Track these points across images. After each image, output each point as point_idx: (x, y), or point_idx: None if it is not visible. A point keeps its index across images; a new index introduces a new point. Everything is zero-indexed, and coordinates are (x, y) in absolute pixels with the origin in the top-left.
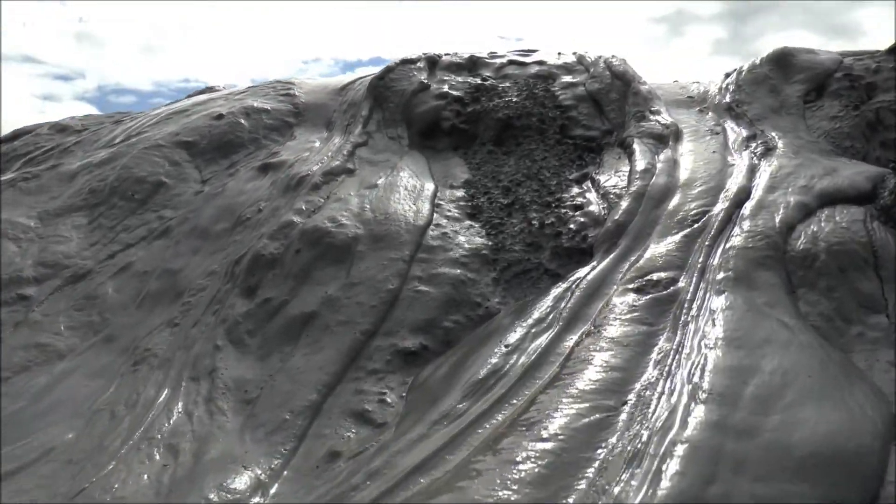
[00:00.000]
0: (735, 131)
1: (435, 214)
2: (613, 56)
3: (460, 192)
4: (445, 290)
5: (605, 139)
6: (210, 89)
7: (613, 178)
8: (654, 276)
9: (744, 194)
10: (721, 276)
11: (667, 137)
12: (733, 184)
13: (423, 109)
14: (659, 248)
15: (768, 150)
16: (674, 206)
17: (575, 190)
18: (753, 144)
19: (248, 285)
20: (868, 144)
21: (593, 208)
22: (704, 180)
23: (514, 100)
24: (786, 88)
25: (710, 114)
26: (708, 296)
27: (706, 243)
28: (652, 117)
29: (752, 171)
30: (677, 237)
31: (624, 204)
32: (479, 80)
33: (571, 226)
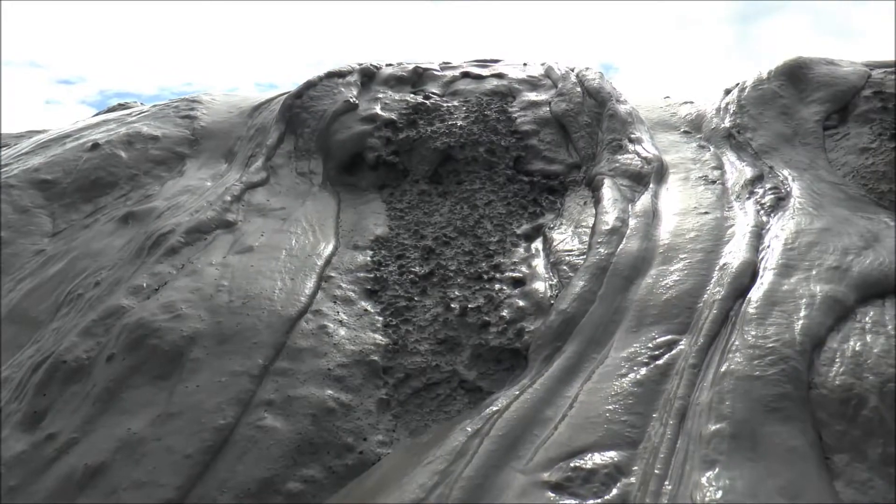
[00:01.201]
0: (736, 168)
1: (319, 294)
2: (588, 68)
3: (365, 257)
4: (301, 426)
5: (571, 175)
6: (122, 106)
7: (572, 235)
8: (588, 462)
9: (747, 276)
10: (710, 428)
11: (647, 177)
12: (733, 257)
13: (344, 137)
14: (609, 386)
15: (780, 200)
16: (646, 291)
17: (520, 252)
18: (760, 190)
19: (35, 409)
20: None
21: (538, 285)
22: (692, 248)
23: (460, 124)
24: (801, 110)
25: (704, 143)
26: (686, 472)
27: (690, 362)
28: (630, 147)
29: (759, 234)
30: (643, 355)
31: (578, 285)
32: (420, 98)
33: (504, 312)
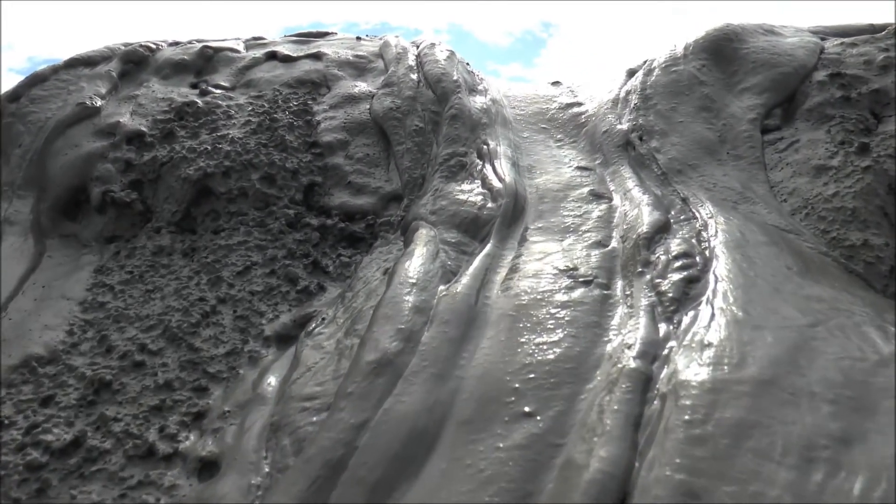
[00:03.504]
0: (632, 204)
1: None
2: (435, 44)
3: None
4: None
5: (388, 212)
6: None
7: (335, 353)
8: None
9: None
10: None
11: (487, 225)
12: (598, 428)
13: (65, 161)
14: None
15: (691, 285)
16: None
17: (249, 380)
18: (662, 257)
19: None
20: None
21: (233, 484)
22: (534, 394)
23: (234, 136)
24: (730, 103)
25: (591, 156)
26: None
27: None
28: (476, 168)
29: (649, 379)
30: None
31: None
32: (191, 96)
33: None
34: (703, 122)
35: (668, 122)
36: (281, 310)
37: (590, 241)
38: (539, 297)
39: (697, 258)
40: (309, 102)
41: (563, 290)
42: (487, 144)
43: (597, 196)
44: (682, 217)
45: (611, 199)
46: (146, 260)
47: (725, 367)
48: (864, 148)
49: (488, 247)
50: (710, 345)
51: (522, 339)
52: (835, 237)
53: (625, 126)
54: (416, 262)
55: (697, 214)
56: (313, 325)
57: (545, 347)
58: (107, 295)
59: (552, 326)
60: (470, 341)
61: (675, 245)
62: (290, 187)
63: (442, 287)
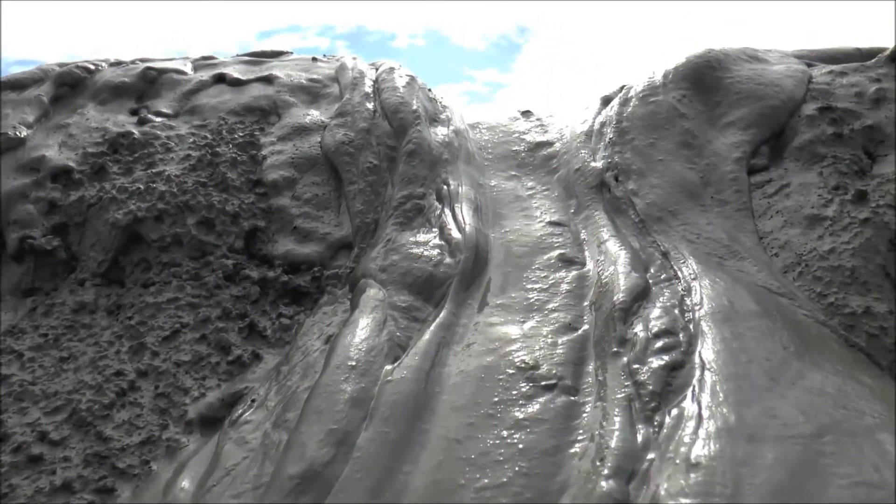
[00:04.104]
0: (607, 259)
1: None
2: (394, 68)
3: None
4: None
5: (337, 261)
6: None
7: (261, 452)
8: None
9: None
10: None
11: (444, 285)
12: None
13: None
14: None
15: (674, 373)
16: None
17: (162, 480)
18: (641, 333)
19: None
20: None
21: None
22: None
23: (170, 172)
24: (714, 139)
25: (564, 206)
26: None
27: None
28: (434, 213)
29: None
30: None
31: None
32: (130, 126)
33: None
34: (684, 160)
35: (646, 160)
36: (209, 385)
37: (557, 325)
38: (496, 400)
39: (681, 335)
40: (256, 133)
41: (522, 399)
42: (448, 184)
43: (568, 262)
44: (662, 276)
45: (583, 265)
46: (65, 319)
47: (717, 499)
48: (861, 196)
49: (443, 314)
50: (697, 464)
51: (474, 456)
52: (833, 302)
53: (599, 164)
54: (359, 336)
55: (680, 274)
56: (241, 410)
57: (503, 467)
58: (13, 365)
59: (511, 442)
60: (414, 446)
61: (656, 318)
62: (229, 233)
63: (388, 367)
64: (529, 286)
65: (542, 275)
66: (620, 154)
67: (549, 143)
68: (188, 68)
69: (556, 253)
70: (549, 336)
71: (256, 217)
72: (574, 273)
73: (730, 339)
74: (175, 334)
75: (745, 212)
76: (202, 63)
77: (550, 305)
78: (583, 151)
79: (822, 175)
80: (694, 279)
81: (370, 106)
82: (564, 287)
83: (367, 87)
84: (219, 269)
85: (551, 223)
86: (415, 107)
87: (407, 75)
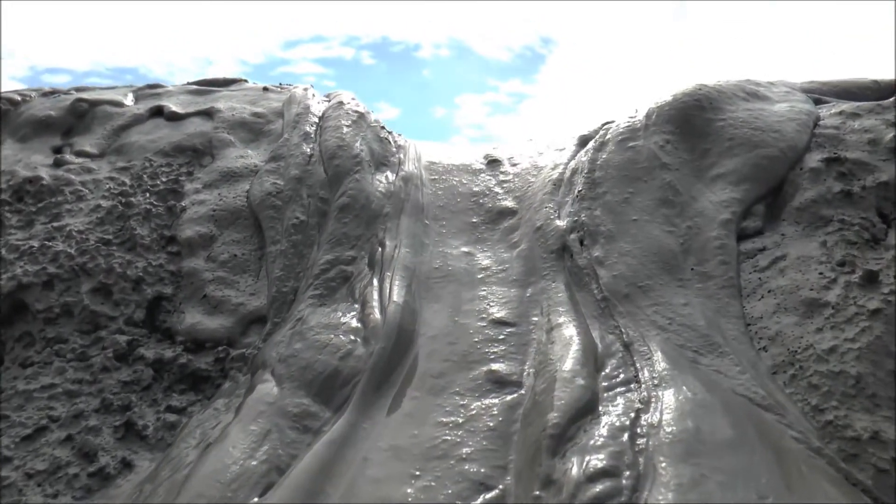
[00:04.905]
0: (550, 366)
1: None
2: (346, 102)
3: None
4: None
5: (245, 341)
6: None
7: None
8: None
9: None
10: None
11: (347, 385)
12: None
13: None
14: None
15: None
16: None
17: None
18: (574, 471)
19: None
20: None
21: None
22: None
23: (75, 227)
24: (700, 195)
25: (520, 290)
26: None
27: None
28: (358, 285)
29: None
30: None
31: None
32: (43, 169)
33: None
34: (662, 221)
35: (618, 219)
36: None
37: (462, 485)
38: None
39: (625, 477)
40: (182, 179)
41: None
42: (384, 246)
43: (499, 383)
44: (618, 378)
45: (518, 385)
46: None
47: None
48: (871, 278)
49: (339, 423)
50: None
51: None
52: (831, 421)
53: (563, 223)
54: (230, 455)
55: (641, 377)
56: None
57: None
58: None
59: None
60: None
61: (596, 447)
62: (128, 303)
63: (254, 501)
64: (442, 419)
65: (461, 403)
66: (589, 211)
67: (511, 212)
68: (128, 99)
69: (486, 369)
70: (462, 481)
71: (163, 282)
72: (504, 400)
73: (688, 486)
74: (38, 433)
75: (730, 290)
76: (146, 92)
77: (461, 452)
78: (548, 206)
79: (825, 245)
80: (657, 385)
81: (307, 149)
82: (486, 422)
83: (309, 126)
84: (110, 348)
85: (495, 322)
86: (356, 150)
87: (354, 112)
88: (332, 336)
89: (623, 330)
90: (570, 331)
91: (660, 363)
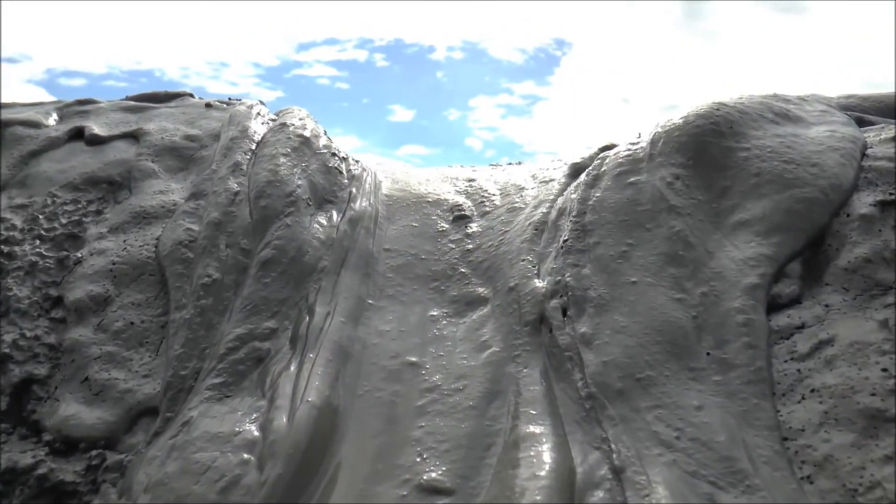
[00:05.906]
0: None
1: None
2: (292, 124)
3: None
4: None
5: (128, 440)
6: None
7: None
8: None
9: None
10: None
11: None
12: None
13: None
14: None
15: None
16: None
17: None
18: None
19: None
20: None
21: None
22: None
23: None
24: (715, 249)
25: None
26: None
27: None
28: (276, 370)
29: None
30: None
31: None
32: None
33: None
34: (670, 285)
35: (612, 281)
36: None
37: None
38: None
39: None
40: (86, 221)
41: None
42: (312, 314)
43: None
44: None
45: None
46: None
47: None
48: None
49: None
50: None
51: None
52: None
53: (543, 285)
54: None
55: None
56: None
57: None
58: None
59: None
60: None
61: None
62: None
63: None
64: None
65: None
66: (576, 269)
67: (482, 300)
68: (51, 119)
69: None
70: None
71: (37, 360)
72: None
73: None
74: None
75: (759, 386)
76: (73, 110)
77: None
78: (525, 258)
79: (886, 326)
80: None
81: (233, 184)
82: None
83: (242, 154)
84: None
85: (425, 489)
86: (291, 187)
87: (297, 136)
88: (219, 454)
89: (613, 446)
90: (540, 446)
91: (663, 502)
